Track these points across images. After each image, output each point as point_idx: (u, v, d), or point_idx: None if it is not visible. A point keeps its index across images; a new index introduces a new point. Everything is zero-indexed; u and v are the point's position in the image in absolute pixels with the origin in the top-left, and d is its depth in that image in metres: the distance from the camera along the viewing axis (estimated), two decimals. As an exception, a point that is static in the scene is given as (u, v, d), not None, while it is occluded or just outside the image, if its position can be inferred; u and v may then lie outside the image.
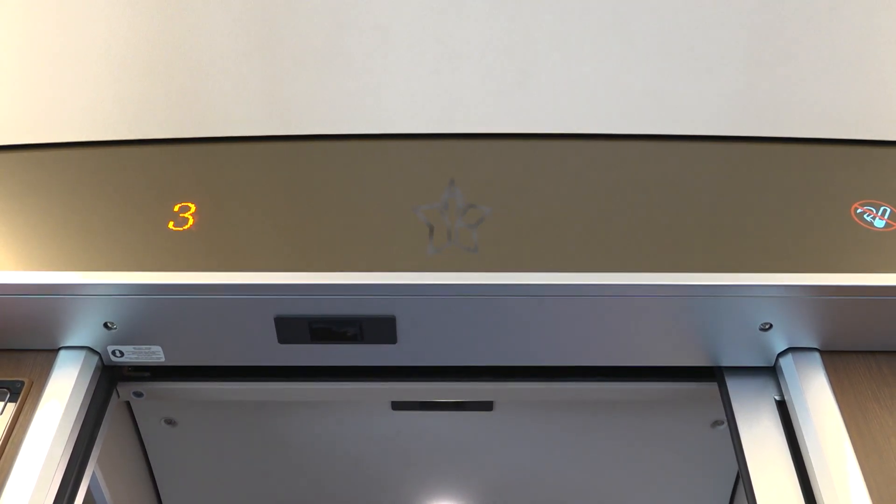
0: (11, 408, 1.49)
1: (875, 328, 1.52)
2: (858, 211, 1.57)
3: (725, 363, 1.61)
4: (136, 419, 2.05)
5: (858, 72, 1.64)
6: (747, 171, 1.66)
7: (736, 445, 1.53)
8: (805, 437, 1.46)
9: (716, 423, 2.00)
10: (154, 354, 1.59)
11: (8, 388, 1.52)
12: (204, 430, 2.10)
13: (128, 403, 1.99)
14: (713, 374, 1.65)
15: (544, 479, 2.25)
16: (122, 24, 1.60)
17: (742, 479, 1.50)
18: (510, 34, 1.62)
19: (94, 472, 1.71)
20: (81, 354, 1.58)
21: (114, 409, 1.69)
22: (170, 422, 2.05)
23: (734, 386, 1.60)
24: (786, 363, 1.56)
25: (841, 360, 1.56)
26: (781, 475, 1.47)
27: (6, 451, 1.43)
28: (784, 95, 1.66)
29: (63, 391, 1.52)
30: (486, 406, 2.00)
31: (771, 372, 1.60)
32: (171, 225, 1.54)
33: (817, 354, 1.56)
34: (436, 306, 1.49)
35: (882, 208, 1.57)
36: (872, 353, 1.57)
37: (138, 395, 1.73)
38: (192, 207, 1.57)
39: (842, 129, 1.69)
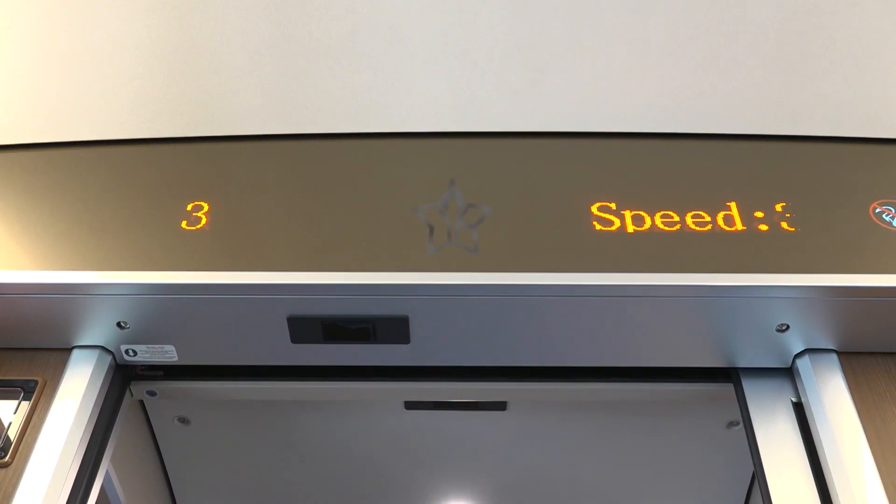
0: (25, 406, 1.50)
1: (894, 329, 1.51)
2: (877, 210, 1.55)
3: (741, 364, 1.60)
4: (150, 418, 2.05)
5: (878, 70, 1.63)
6: (764, 169, 1.64)
7: (752, 447, 1.52)
8: (822, 439, 1.44)
9: (731, 424, 1.98)
10: (167, 354, 1.59)
11: (22, 387, 1.53)
12: (217, 428, 2.10)
13: (141, 402, 2.00)
14: (729, 375, 1.64)
15: (557, 479, 2.25)
16: (135, 23, 1.60)
17: (758, 480, 1.49)
18: (524, 32, 1.61)
19: (107, 471, 1.71)
20: (95, 353, 1.58)
21: (127, 408, 1.70)
22: (183, 420, 2.05)
23: (750, 387, 1.59)
24: (803, 364, 1.55)
25: (859, 361, 1.54)
26: (797, 477, 1.45)
27: (20, 449, 1.44)
28: (802, 93, 1.65)
29: (76, 390, 1.52)
30: (500, 406, 1.99)
31: (787, 373, 1.59)
32: (184, 224, 1.54)
33: (835, 356, 1.55)
34: (449, 306, 1.48)
35: (901, 208, 1.56)
36: (891, 354, 1.55)
37: (151, 393, 1.73)
38: (205, 207, 1.57)
39: (861, 127, 1.67)
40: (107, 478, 1.83)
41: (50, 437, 1.45)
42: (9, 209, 1.59)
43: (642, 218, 1.54)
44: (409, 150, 1.69)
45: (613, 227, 1.53)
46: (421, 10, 1.59)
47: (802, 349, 1.55)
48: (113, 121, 1.69)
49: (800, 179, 1.62)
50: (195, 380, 1.71)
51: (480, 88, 1.66)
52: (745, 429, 1.56)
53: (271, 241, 1.52)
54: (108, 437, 1.57)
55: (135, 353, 1.59)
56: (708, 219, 1.54)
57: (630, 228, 1.53)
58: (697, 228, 1.52)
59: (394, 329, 1.51)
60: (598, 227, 1.53)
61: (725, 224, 1.53)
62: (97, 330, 1.55)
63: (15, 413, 1.49)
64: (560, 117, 1.69)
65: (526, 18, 1.60)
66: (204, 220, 1.55)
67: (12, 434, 1.46)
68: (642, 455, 2.14)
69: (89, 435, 1.51)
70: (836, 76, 1.63)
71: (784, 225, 1.53)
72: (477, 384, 1.72)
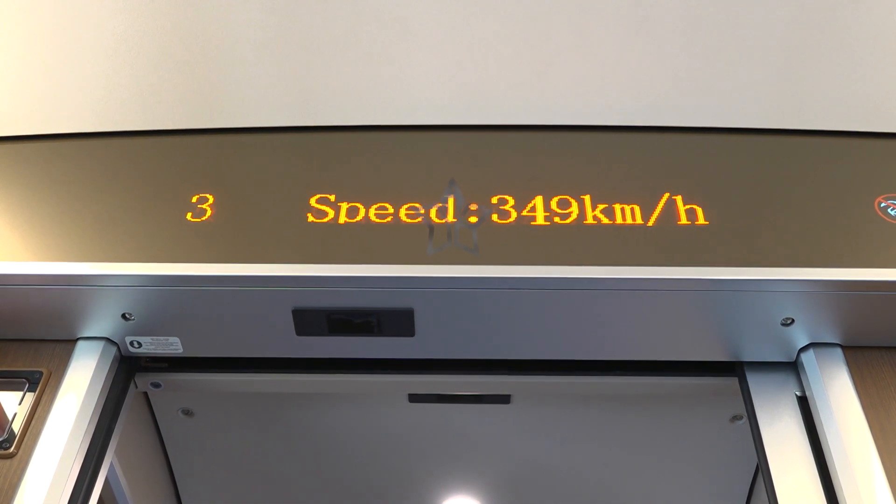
0: (30, 398, 1.50)
1: (898, 324, 1.51)
2: (882, 205, 1.55)
3: (746, 358, 1.59)
4: (154, 410, 2.06)
5: (885, 64, 1.62)
6: (770, 163, 1.64)
7: (756, 441, 1.51)
8: (827, 434, 1.44)
9: (735, 418, 1.98)
10: (172, 345, 1.59)
11: (27, 379, 1.53)
12: (221, 421, 2.10)
13: (145, 394, 2.00)
14: (733, 369, 1.64)
15: (560, 472, 2.25)
16: (140, 13, 1.60)
17: (762, 474, 1.49)
18: (531, 25, 1.61)
19: (111, 463, 1.71)
20: (100, 345, 1.58)
21: (131, 400, 1.70)
22: (187, 412, 2.05)
23: (755, 381, 1.59)
24: (807, 358, 1.55)
25: (864, 355, 1.54)
26: (802, 471, 1.45)
27: (25, 441, 1.44)
28: (810, 88, 1.65)
29: (81, 382, 1.52)
30: (504, 399, 1.99)
31: (792, 367, 1.59)
32: (189, 216, 1.54)
33: (839, 350, 1.55)
34: (454, 299, 1.48)
35: (907, 202, 1.55)
36: (896, 348, 1.55)
37: (156, 385, 1.73)
38: (211, 198, 1.57)
39: (867, 121, 1.67)
40: (111, 469, 1.84)
41: (54, 429, 1.45)
42: (14, 200, 1.59)
43: (633, 212, 1.55)
44: (414, 142, 1.69)
45: (615, 221, 1.53)
46: (427, 2, 1.58)
47: (807, 343, 1.55)
48: (119, 112, 1.69)
49: (806, 173, 1.61)
50: (200, 372, 1.71)
51: (486, 81, 1.66)
52: (750, 423, 1.56)
53: (276, 234, 1.52)
54: (113, 429, 1.57)
55: (140, 344, 1.59)
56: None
57: (629, 221, 1.53)
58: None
59: (399, 322, 1.51)
60: (604, 220, 1.53)
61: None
62: (102, 321, 1.55)
63: (20, 404, 1.49)
64: (569, 110, 1.68)
65: (532, 10, 1.59)
66: (209, 212, 1.55)
67: (17, 425, 1.46)
68: (646, 448, 2.14)
69: (94, 426, 1.51)
70: (843, 71, 1.63)
71: (790, 218, 1.53)
72: (481, 377, 1.72)
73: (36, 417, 1.47)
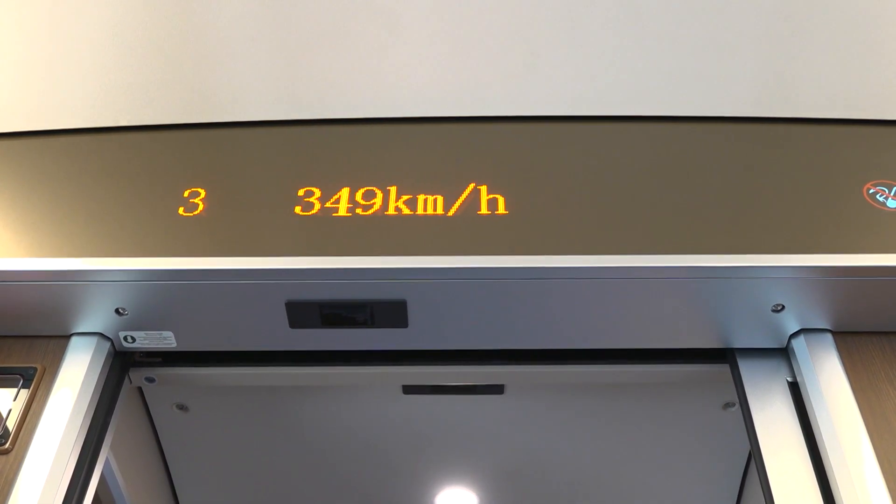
0: (24, 394, 1.50)
1: (888, 308, 1.52)
2: (871, 191, 1.56)
3: (737, 345, 1.60)
4: (149, 405, 2.06)
5: (872, 52, 1.63)
6: (759, 151, 1.65)
7: (748, 427, 1.52)
8: (818, 419, 1.45)
9: (727, 405, 1.99)
10: (166, 340, 1.59)
11: (21, 375, 1.53)
12: (216, 415, 2.11)
13: (140, 389, 2.00)
14: (725, 356, 1.64)
15: (554, 461, 2.26)
16: (130, 9, 1.60)
17: (755, 460, 1.50)
18: (520, 16, 1.61)
19: (107, 458, 1.72)
20: (93, 340, 1.58)
21: (126, 395, 1.70)
22: (182, 407, 2.05)
23: (746, 368, 1.60)
24: (798, 345, 1.55)
25: (854, 341, 1.55)
26: (794, 457, 1.46)
27: (20, 437, 1.44)
28: (797, 76, 1.65)
29: (75, 377, 1.52)
30: (497, 389, 2.00)
31: (783, 353, 1.60)
32: (181, 210, 1.54)
33: (830, 335, 1.55)
34: (446, 290, 1.48)
35: (895, 188, 1.56)
36: (886, 333, 1.56)
37: (150, 380, 1.73)
38: (202, 193, 1.57)
39: (854, 109, 1.68)
40: (106, 465, 1.84)
41: (49, 425, 1.45)
42: (5, 197, 1.59)
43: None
44: (404, 134, 1.69)
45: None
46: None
47: (797, 329, 1.56)
48: (109, 108, 1.69)
49: (794, 160, 1.62)
50: (194, 366, 1.72)
51: (476, 72, 1.66)
52: (742, 409, 1.56)
53: (269, 227, 1.52)
54: (108, 424, 1.58)
55: (133, 339, 1.60)
56: None
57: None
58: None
59: (392, 313, 1.51)
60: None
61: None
62: (96, 317, 1.55)
63: (14, 400, 1.49)
64: (558, 101, 1.69)
65: (520, 1, 1.60)
66: (201, 207, 1.55)
67: (12, 421, 1.46)
68: (639, 437, 2.15)
69: (89, 422, 1.51)
70: (831, 58, 1.64)
71: (779, 205, 1.53)
72: (474, 367, 1.72)
73: (30, 413, 1.47)
